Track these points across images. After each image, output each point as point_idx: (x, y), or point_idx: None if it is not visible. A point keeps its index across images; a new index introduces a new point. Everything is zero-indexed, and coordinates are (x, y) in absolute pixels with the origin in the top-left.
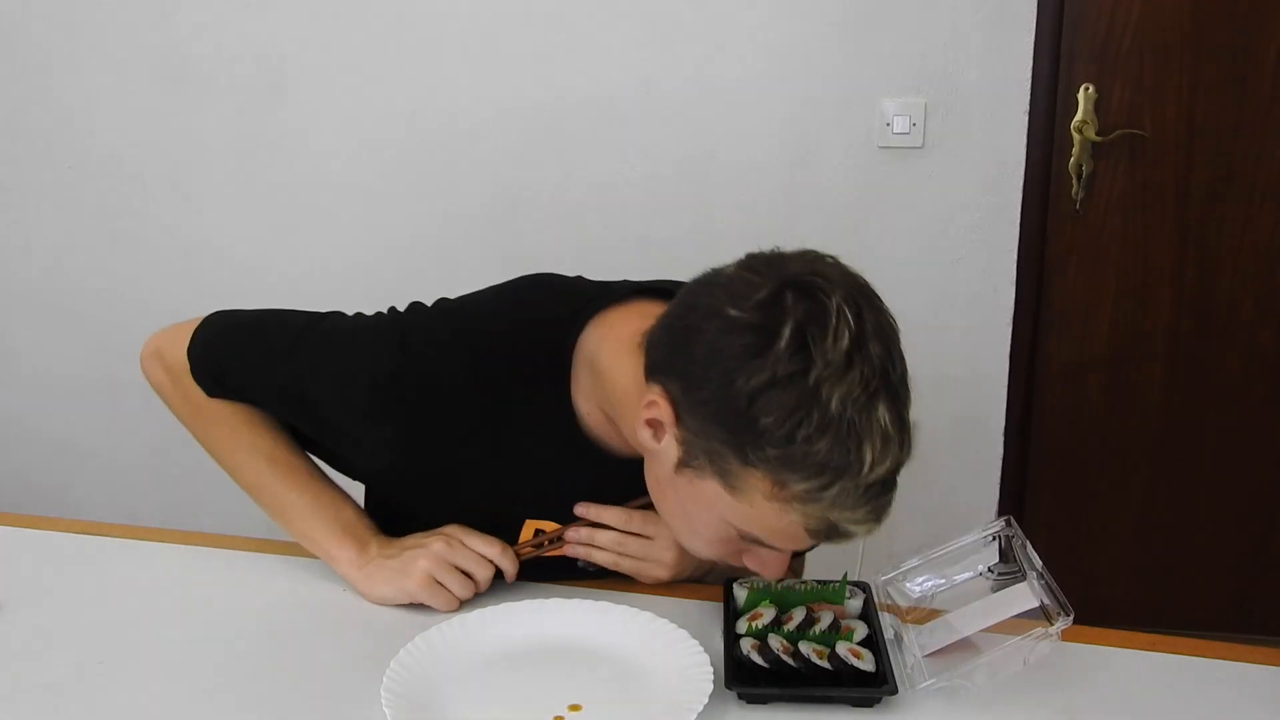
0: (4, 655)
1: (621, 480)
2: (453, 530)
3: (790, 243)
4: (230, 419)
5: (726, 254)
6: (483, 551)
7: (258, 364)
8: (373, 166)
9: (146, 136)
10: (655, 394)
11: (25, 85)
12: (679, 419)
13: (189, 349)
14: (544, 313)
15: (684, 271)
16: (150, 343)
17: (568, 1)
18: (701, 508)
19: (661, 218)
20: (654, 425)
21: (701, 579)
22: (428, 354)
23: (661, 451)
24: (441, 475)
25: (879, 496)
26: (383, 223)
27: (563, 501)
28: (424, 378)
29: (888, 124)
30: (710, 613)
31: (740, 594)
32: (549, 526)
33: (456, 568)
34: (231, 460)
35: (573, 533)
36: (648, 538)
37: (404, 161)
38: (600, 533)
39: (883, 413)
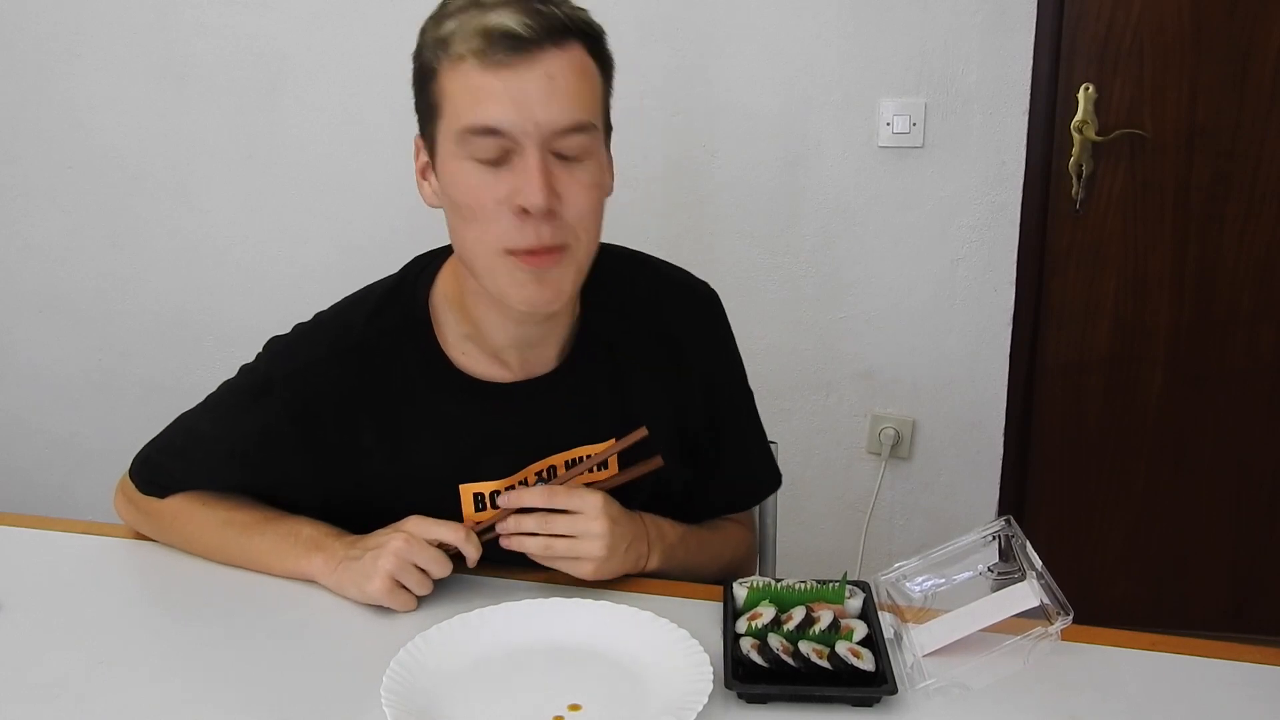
0: (4, 655)
1: (525, 405)
2: (413, 526)
3: (790, 243)
4: (185, 509)
5: (726, 254)
6: (446, 539)
7: (181, 448)
8: (373, 166)
9: (147, 136)
10: (416, 145)
11: (25, 85)
12: (422, 134)
13: (130, 471)
14: (390, 279)
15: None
16: (115, 491)
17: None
18: (454, 177)
19: (661, 218)
20: (423, 172)
21: (666, 574)
22: (288, 348)
23: (433, 191)
24: (364, 469)
25: (526, 2)
26: (383, 222)
27: (477, 449)
28: (290, 368)
29: (888, 124)
30: (710, 612)
31: (740, 593)
32: (484, 487)
33: (416, 566)
34: (201, 543)
35: (501, 525)
36: (574, 512)
37: (404, 160)
38: (526, 518)
39: None
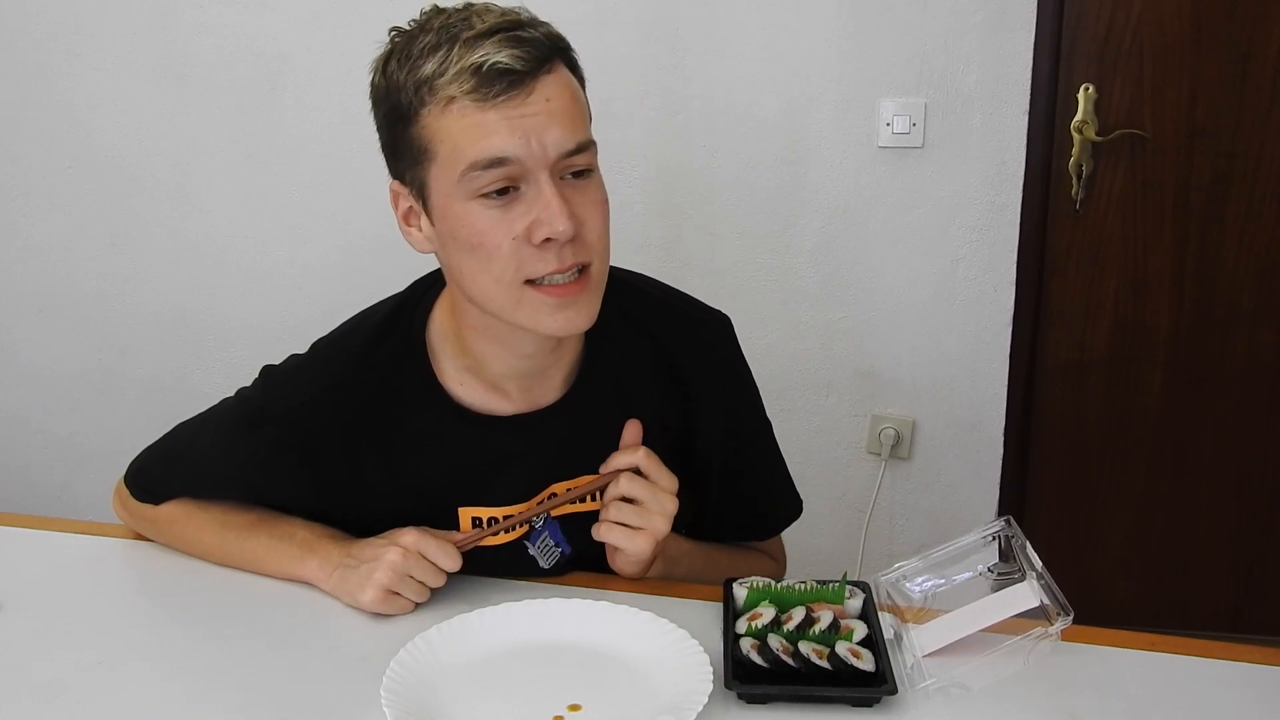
0: (4, 655)
1: (526, 436)
2: (410, 540)
3: (790, 243)
4: (182, 513)
5: (726, 254)
6: (439, 561)
7: (178, 462)
8: (373, 166)
9: (147, 136)
10: (393, 191)
11: (25, 85)
12: (400, 179)
13: (124, 479)
14: (387, 304)
15: (684, 271)
16: (113, 495)
17: (568, 2)
18: (461, 219)
19: (661, 218)
20: (410, 218)
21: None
22: (285, 382)
23: (425, 237)
24: (364, 499)
25: (507, 32)
26: (383, 222)
27: (477, 480)
28: (286, 406)
29: (887, 124)
30: (710, 613)
31: (740, 593)
32: (484, 513)
33: (412, 577)
34: (199, 546)
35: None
36: (655, 482)
37: None
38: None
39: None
